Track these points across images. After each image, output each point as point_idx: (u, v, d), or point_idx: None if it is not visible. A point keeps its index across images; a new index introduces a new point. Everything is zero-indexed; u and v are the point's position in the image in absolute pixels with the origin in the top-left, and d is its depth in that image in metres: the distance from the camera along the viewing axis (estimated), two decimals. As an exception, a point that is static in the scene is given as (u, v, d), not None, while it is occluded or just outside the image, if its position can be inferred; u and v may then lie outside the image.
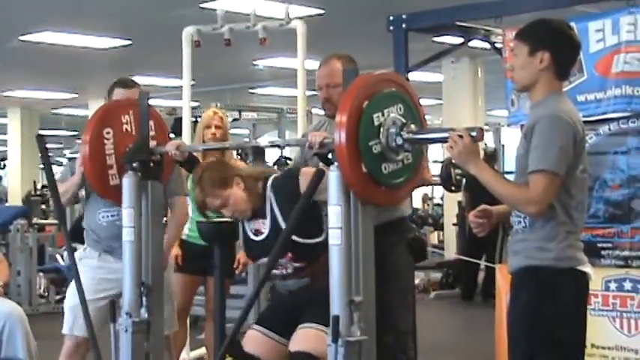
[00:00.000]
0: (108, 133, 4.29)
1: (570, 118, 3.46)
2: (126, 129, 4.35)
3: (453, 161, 3.53)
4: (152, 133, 4.29)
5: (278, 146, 4.10)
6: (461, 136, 3.36)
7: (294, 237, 3.89)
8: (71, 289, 4.89)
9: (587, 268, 3.54)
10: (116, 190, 4.22)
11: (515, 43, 3.60)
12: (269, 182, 4.12)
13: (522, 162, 3.48)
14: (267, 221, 4.08)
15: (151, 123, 4.29)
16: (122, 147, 4.26)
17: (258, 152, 9.26)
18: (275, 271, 4.04)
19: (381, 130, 3.33)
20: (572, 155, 3.42)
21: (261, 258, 4.17)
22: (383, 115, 3.33)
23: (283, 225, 3.99)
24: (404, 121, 3.37)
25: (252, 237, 4.17)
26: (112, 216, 4.85)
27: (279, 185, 4.10)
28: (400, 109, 3.39)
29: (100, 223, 4.90)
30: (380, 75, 3.45)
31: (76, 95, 18.23)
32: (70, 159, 13.85)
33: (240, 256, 5.78)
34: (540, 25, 3.61)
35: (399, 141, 3.34)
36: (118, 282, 4.68)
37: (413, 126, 3.39)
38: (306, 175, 3.89)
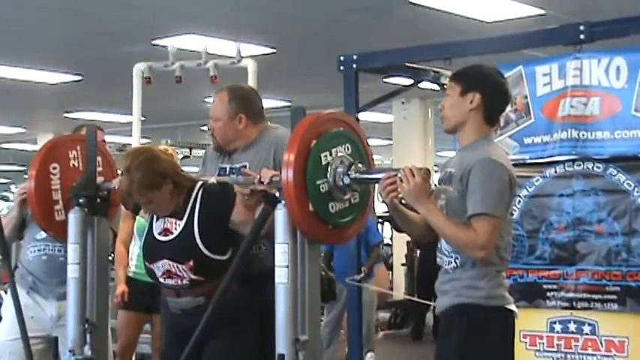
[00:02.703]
0: (54, 168, 4.26)
1: (503, 161, 3.54)
2: (73, 164, 4.32)
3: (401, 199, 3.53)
4: (100, 169, 4.27)
5: (226, 184, 4.03)
6: (413, 175, 3.39)
7: (202, 248, 3.86)
8: None
9: (513, 307, 3.58)
10: (61, 226, 4.18)
11: (449, 84, 3.72)
12: (199, 187, 4.00)
13: (456, 204, 3.51)
14: (182, 223, 3.95)
15: (99, 159, 4.27)
16: (69, 182, 4.23)
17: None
18: (170, 281, 3.94)
19: (329, 169, 3.33)
20: (509, 197, 3.50)
21: (156, 261, 3.98)
22: (331, 154, 3.35)
23: (196, 233, 3.89)
24: (351, 160, 3.39)
25: (158, 236, 4.02)
26: (38, 250, 4.78)
27: (210, 196, 3.97)
28: (348, 148, 3.41)
29: (28, 258, 4.82)
30: (328, 114, 3.46)
31: (25, 130, 18.08)
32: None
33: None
34: (474, 69, 3.72)
35: (347, 180, 3.35)
36: (44, 323, 4.66)
37: (360, 165, 3.41)
38: (243, 211, 3.85)
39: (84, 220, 4.11)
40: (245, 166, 4.17)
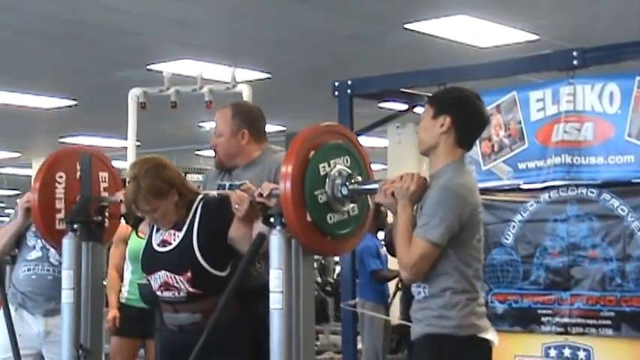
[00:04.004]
0: (61, 177, 4.30)
1: (461, 190, 3.46)
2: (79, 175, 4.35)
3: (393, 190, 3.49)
4: (105, 184, 4.34)
5: (226, 197, 4.03)
6: (412, 179, 3.41)
7: (200, 259, 3.86)
8: None
9: (488, 335, 3.50)
10: (61, 235, 4.19)
11: (425, 107, 3.68)
12: (200, 200, 4.00)
13: None
14: (181, 234, 3.93)
15: (106, 175, 4.36)
16: (73, 193, 4.27)
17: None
18: (167, 294, 3.92)
19: (327, 180, 3.34)
20: (458, 228, 3.40)
21: (154, 272, 3.96)
22: (329, 165, 3.36)
23: (195, 244, 3.88)
24: (350, 172, 3.40)
25: (156, 247, 4.00)
26: (28, 270, 4.91)
27: (210, 209, 3.97)
28: (347, 160, 3.42)
29: (19, 277, 4.94)
30: (327, 126, 3.48)
31: (19, 154, 18.08)
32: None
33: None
34: (449, 92, 3.75)
35: (345, 191, 3.36)
36: (32, 340, 4.70)
37: (359, 177, 3.42)
38: (241, 226, 3.85)
39: (78, 246, 4.12)
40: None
